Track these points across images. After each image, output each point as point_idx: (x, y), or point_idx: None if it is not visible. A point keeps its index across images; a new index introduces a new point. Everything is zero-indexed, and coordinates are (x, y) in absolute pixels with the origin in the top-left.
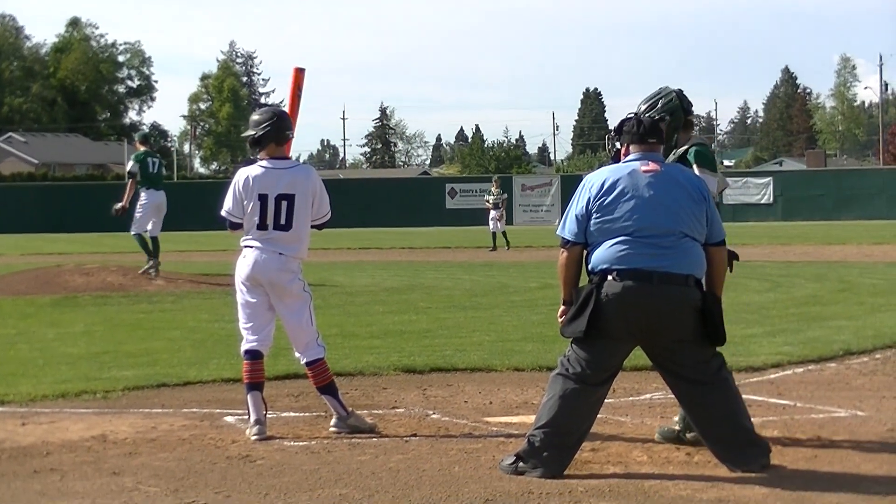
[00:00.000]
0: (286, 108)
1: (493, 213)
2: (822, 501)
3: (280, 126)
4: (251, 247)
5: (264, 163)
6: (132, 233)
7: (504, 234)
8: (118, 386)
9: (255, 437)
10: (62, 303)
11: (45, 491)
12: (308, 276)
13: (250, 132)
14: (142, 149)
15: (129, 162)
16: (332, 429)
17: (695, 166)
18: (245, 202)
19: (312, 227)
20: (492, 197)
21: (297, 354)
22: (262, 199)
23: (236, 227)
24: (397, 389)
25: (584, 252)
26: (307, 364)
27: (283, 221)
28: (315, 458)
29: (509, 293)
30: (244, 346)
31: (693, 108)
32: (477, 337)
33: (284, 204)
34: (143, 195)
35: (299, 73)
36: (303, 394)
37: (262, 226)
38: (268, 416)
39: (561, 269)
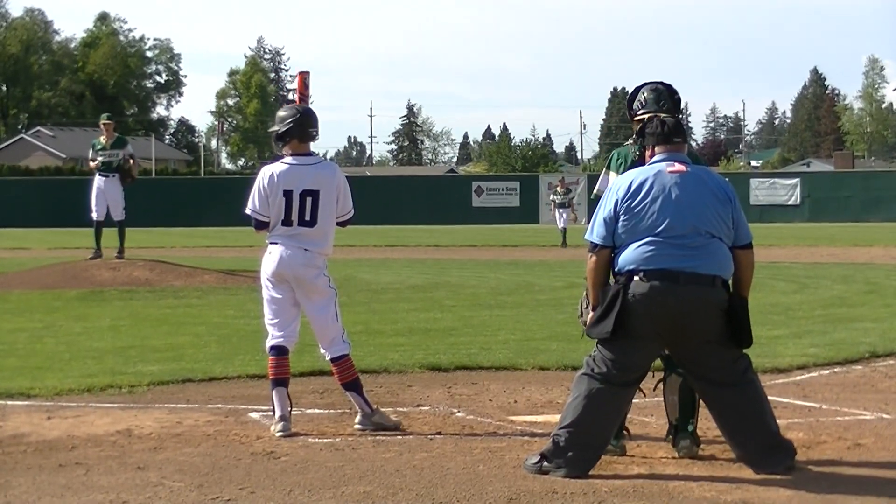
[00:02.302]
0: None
1: (559, 211)
2: None
3: (304, 122)
4: (276, 243)
5: (289, 159)
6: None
7: (564, 231)
8: (144, 381)
9: (279, 434)
10: (88, 297)
11: (69, 485)
12: (333, 273)
13: (275, 128)
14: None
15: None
16: (357, 426)
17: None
18: (270, 199)
19: (336, 224)
20: (557, 197)
21: (322, 350)
22: (287, 195)
23: (262, 225)
24: (422, 387)
25: (612, 254)
26: (332, 360)
27: (307, 217)
28: (339, 456)
29: (535, 292)
30: (269, 342)
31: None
32: (502, 335)
33: (309, 200)
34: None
35: (303, 77)
36: (328, 391)
37: (287, 222)
38: (293, 412)
39: (590, 273)
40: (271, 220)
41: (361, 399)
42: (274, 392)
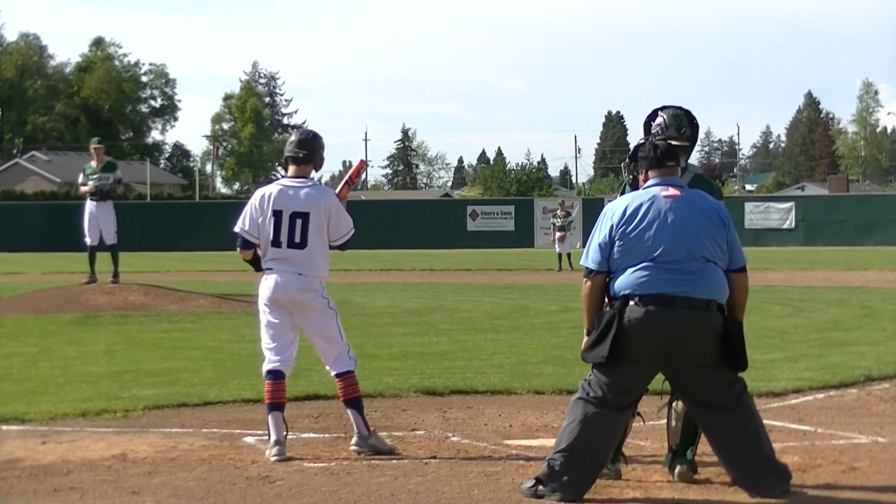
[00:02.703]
0: (340, 188)
1: (557, 235)
2: None
3: (302, 147)
4: (271, 269)
5: (282, 181)
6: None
7: (569, 255)
8: (139, 405)
9: (274, 458)
10: (83, 321)
11: None
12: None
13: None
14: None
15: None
16: (353, 447)
17: None
18: (260, 219)
19: (334, 247)
20: (557, 220)
21: (327, 367)
22: (277, 215)
23: (248, 245)
24: (417, 411)
25: (607, 279)
26: (337, 375)
27: (297, 239)
28: (334, 480)
29: (530, 316)
30: (266, 367)
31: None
32: (497, 359)
33: (299, 222)
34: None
35: (362, 165)
36: (322, 415)
37: (276, 242)
38: (288, 436)
39: (585, 298)
40: (261, 242)
41: (361, 419)
42: (270, 416)
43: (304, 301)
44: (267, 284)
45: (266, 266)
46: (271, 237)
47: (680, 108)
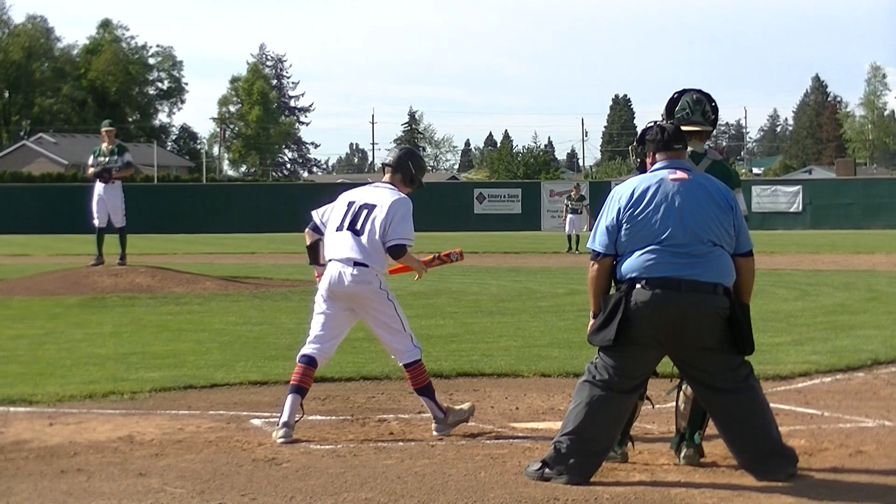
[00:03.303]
0: (428, 258)
1: (570, 217)
2: None
3: (394, 158)
4: (331, 260)
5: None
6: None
7: (577, 237)
8: (145, 387)
9: (280, 440)
10: (90, 303)
11: (71, 491)
12: None
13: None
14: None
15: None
16: (434, 433)
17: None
18: (335, 207)
19: (386, 249)
20: (571, 202)
21: (392, 357)
22: (350, 204)
23: (312, 228)
24: None
25: (614, 263)
26: (404, 366)
27: (357, 226)
28: (341, 462)
29: (536, 299)
30: (302, 350)
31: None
32: (503, 342)
33: (364, 212)
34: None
35: (461, 255)
36: (329, 397)
37: (339, 227)
38: (298, 422)
39: (591, 281)
40: (327, 229)
41: (434, 404)
42: (288, 397)
43: (359, 293)
44: (325, 276)
45: (327, 257)
46: (336, 223)
47: (699, 91)
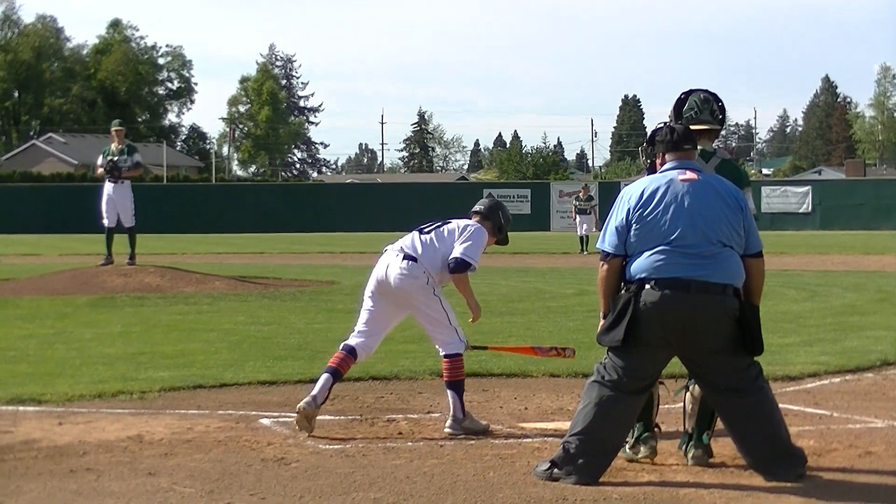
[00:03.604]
0: (545, 347)
1: (579, 218)
2: None
3: (490, 216)
4: (384, 250)
5: None
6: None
7: (587, 238)
8: (154, 387)
9: (300, 405)
10: (99, 303)
11: (80, 490)
12: (345, 280)
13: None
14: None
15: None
16: (447, 430)
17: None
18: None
19: (449, 261)
20: (579, 202)
21: (437, 347)
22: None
23: None
24: (432, 394)
25: (624, 263)
26: (444, 357)
27: (429, 230)
28: (350, 462)
29: (545, 299)
30: (346, 339)
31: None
32: (513, 342)
33: (441, 224)
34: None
35: (573, 354)
36: (338, 397)
37: (417, 230)
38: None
39: (601, 281)
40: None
41: (458, 402)
42: (322, 375)
43: (405, 289)
44: (374, 270)
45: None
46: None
47: (706, 90)
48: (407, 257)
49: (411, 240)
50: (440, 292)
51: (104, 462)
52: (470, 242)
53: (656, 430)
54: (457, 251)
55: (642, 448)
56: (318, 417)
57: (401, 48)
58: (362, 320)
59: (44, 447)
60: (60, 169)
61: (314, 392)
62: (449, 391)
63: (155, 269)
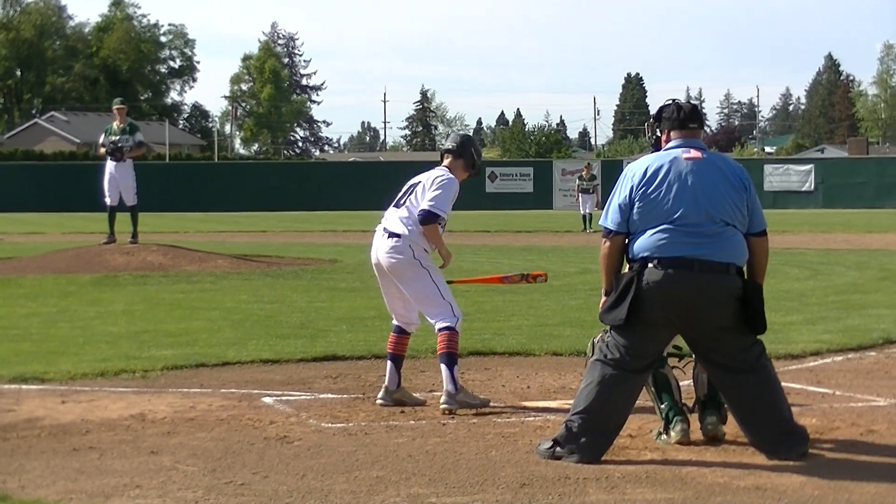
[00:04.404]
0: (514, 276)
1: (582, 197)
2: (860, 490)
3: (459, 144)
4: (377, 229)
5: None
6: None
7: (590, 216)
8: (157, 365)
9: (378, 401)
10: (102, 282)
11: (83, 469)
12: (347, 258)
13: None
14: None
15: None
16: (443, 405)
17: None
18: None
19: (418, 215)
20: (583, 182)
21: (430, 320)
22: (406, 184)
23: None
24: (435, 372)
25: (626, 241)
26: (437, 330)
27: (402, 201)
28: (352, 440)
29: (549, 277)
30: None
31: None
32: (515, 321)
33: (410, 189)
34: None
35: (545, 279)
36: (341, 375)
37: (392, 204)
38: (309, 397)
39: (603, 258)
40: None
41: (449, 375)
42: (387, 363)
43: (393, 265)
44: (370, 250)
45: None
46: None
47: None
48: (391, 235)
49: (390, 217)
50: (430, 263)
51: (107, 440)
52: (438, 191)
53: (685, 408)
54: (424, 203)
55: (673, 433)
56: (321, 396)
57: (403, 26)
58: (386, 302)
59: (47, 425)
60: (63, 147)
61: (385, 383)
62: (441, 365)
63: (157, 247)
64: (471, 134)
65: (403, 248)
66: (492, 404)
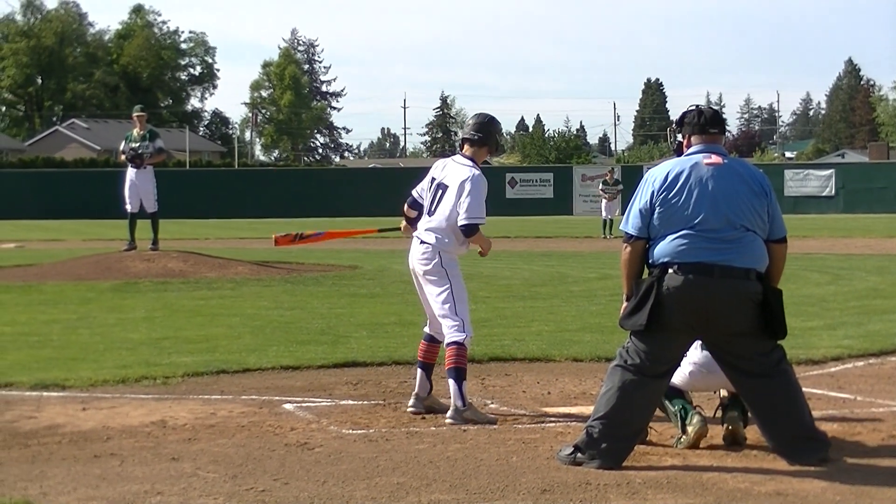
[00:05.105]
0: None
1: (604, 202)
2: (881, 496)
3: (478, 130)
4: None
5: (452, 157)
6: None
7: (611, 222)
8: (178, 372)
9: (408, 409)
10: (123, 288)
11: (104, 475)
12: (367, 265)
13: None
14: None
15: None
16: (448, 420)
17: None
18: (426, 184)
19: (459, 227)
20: (606, 186)
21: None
22: (432, 181)
23: (410, 203)
24: None
25: (647, 246)
26: (446, 344)
27: (433, 208)
28: (373, 447)
29: (568, 283)
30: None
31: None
32: (535, 327)
33: (440, 192)
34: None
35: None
36: (361, 382)
37: (426, 211)
38: (330, 403)
39: (624, 264)
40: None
41: (458, 391)
42: (417, 371)
43: (419, 271)
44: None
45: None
46: (426, 206)
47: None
48: (423, 242)
49: (424, 225)
50: (456, 273)
51: (128, 447)
52: (469, 199)
53: (697, 407)
54: (462, 218)
55: (690, 427)
56: (341, 402)
57: (423, 32)
58: (424, 308)
59: (67, 432)
60: (83, 154)
61: (415, 390)
62: (449, 380)
63: (178, 254)
64: (490, 114)
65: (433, 255)
66: (512, 410)
